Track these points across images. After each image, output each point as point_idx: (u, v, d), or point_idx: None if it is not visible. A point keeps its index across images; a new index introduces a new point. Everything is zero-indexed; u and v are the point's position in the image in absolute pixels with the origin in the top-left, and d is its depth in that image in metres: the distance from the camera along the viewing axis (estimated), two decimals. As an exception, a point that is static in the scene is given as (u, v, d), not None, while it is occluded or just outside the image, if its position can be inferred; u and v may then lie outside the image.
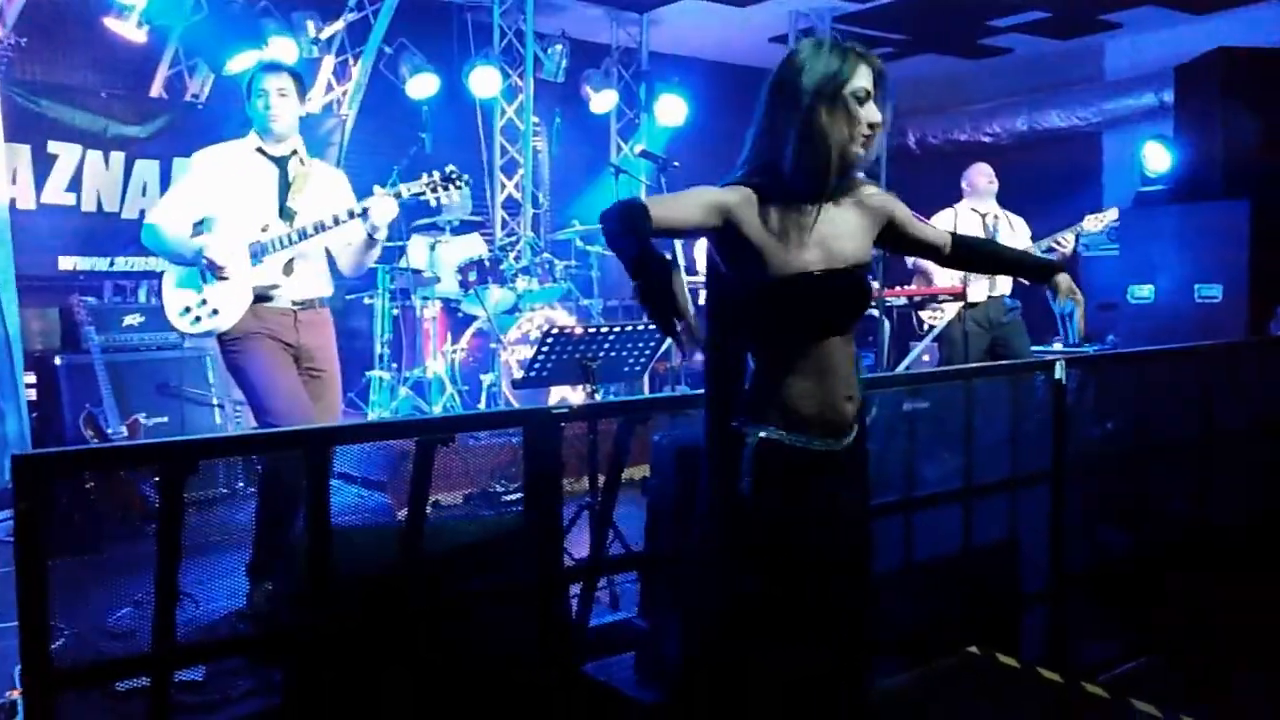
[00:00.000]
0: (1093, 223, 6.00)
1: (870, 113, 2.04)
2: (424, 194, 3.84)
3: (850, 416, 2.13)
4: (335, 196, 3.85)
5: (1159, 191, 7.65)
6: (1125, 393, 3.96)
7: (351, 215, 3.67)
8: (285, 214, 3.72)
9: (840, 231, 2.11)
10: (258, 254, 3.65)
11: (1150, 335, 6.52)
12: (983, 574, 3.45)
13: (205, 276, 3.66)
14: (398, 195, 3.74)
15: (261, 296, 3.67)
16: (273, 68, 3.78)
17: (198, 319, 3.66)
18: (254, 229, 3.67)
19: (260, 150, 3.74)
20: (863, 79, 2.03)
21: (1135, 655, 3.62)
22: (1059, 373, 3.57)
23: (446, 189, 3.87)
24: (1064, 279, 2.53)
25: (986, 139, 10.04)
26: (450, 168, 3.88)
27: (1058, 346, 7.12)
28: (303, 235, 3.66)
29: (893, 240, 2.28)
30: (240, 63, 6.72)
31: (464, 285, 6.35)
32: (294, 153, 3.78)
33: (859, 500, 2.24)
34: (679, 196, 2.05)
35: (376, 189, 3.72)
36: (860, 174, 2.16)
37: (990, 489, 3.48)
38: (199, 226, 3.74)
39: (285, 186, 3.74)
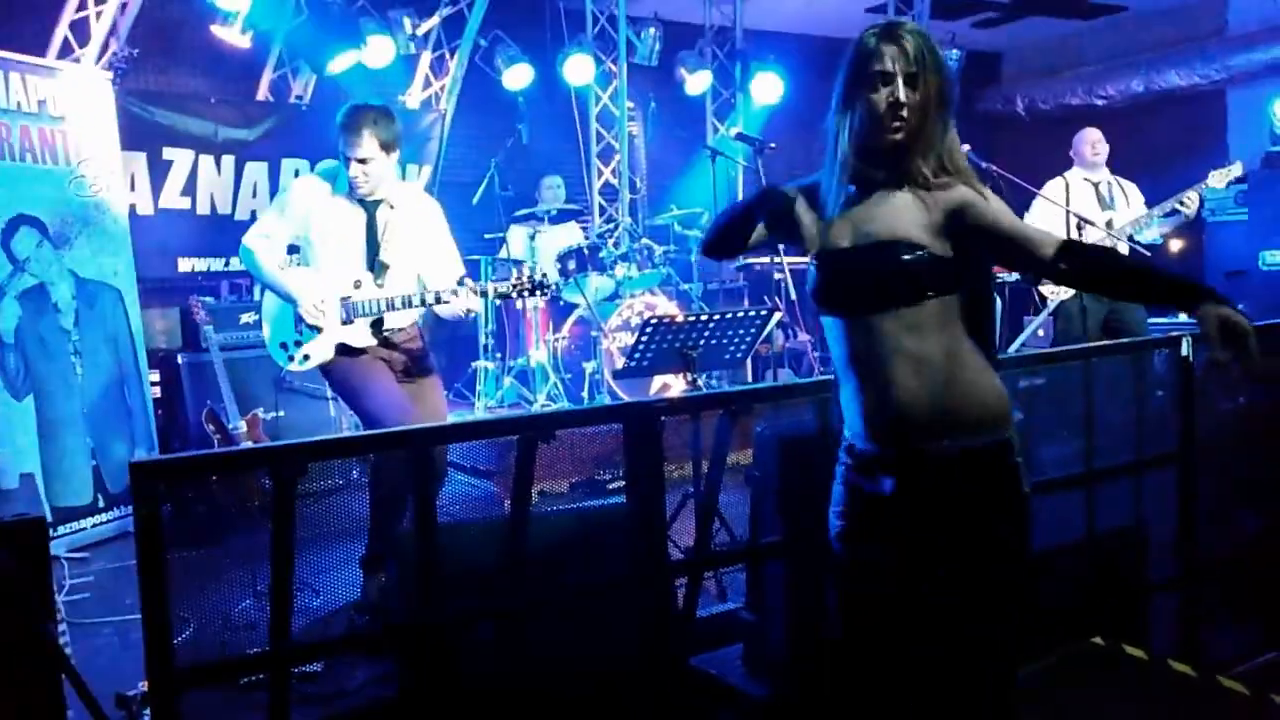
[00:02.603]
0: (1217, 178, 5.66)
1: (889, 95, 1.96)
2: (509, 294, 3.83)
3: (909, 421, 1.96)
4: (427, 243, 3.83)
5: (1291, 150, 7.24)
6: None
7: (438, 300, 3.68)
8: (376, 269, 3.75)
9: (880, 214, 2.01)
10: (348, 313, 3.71)
11: (1284, 303, 6.19)
12: (1106, 562, 3.30)
13: (300, 327, 3.76)
14: (483, 294, 3.74)
15: (349, 350, 3.75)
16: (351, 127, 3.55)
17: (290, 358, 3.81)
18: (346, 282, 3.71)
19: (349, 194, 3.72)
20: (880, 61, 1.97)
21: (1271, 647, 3.42)
22: (1185, 350, 3.39)
23: (533, 293, 3.84)
24: (1215, 313, 1.73)
25: (1100, 102, 9.62)
26: (543, 273, 3.84)
27: (1182, 318, 6.79)
28: (390, 306, 3.70)
29: (973, 236, 1.97)
30: (341, 63, 6.86)
31: (564, 274, 6.37)
32: (383, 200, 3.74)
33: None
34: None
35: (468, 281, 3.72)
36: (943, 162, 1.99)
37: (1114, 472, 3.33)
38: (293, 249, 3.86)
39: (374, 235, 3.75)
